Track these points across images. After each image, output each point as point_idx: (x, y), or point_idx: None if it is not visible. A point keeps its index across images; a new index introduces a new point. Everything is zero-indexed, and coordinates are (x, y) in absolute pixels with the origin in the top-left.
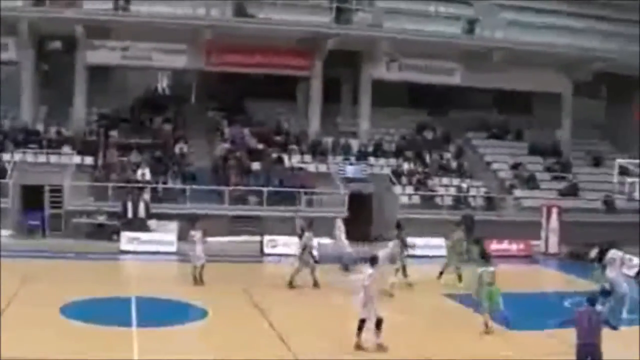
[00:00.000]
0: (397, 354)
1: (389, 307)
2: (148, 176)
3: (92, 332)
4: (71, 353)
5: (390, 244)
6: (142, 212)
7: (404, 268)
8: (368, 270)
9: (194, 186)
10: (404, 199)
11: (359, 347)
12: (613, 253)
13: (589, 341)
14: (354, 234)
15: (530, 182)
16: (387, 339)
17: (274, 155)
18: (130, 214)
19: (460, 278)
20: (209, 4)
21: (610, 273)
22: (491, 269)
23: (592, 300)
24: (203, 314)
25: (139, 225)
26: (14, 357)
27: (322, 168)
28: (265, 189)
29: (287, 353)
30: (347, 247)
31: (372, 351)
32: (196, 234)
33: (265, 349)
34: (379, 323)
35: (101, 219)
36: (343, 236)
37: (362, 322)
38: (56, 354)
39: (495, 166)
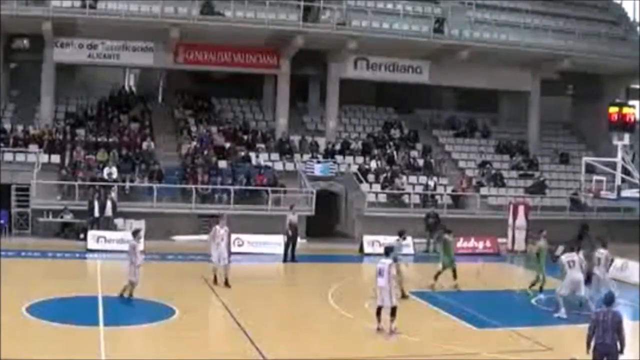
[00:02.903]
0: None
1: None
2: (115, 175)
3: (58, 331)
4: (38, 353)
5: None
6: (109, 210)
7: (454, 270)
8: (387, 260)
9: (161, 185)
10: (371, 197)
11: (380, 329)
12: (599, 252)
13: (605, 341)
14: (319, 231)
15: (497, 180)
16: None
17: (241, 153)
18: (97, 213)
19: (541, 288)
20: (176, 3)
21: (597, 271)
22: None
23: (608, 300)
24: (170, 312)
25: (105, 224)
26: None
27: (290, 166)
28: (232, 188)
29: (254, 352)
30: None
31: (387, 335)
32: (138, 245)
33: (233, 347)
34: (394, 311)
35: (68, 217)
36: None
37: (380, 308)
38: (23, 354)
39: (462, 164)
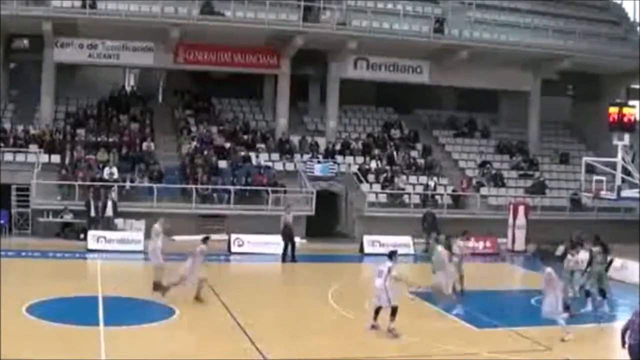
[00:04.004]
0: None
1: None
2: (115, 175)
3: (58, 331)
4: (38, 353)
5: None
6: (109, 210)
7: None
8: (388, 263)
9: (161, 185)
10: (372, 197)
11: (374, 327)
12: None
13: (632, 342)
14: (319, 231)
15: (497, 180)
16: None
17: (241, 153)
18: (93, 213)
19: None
20: (176, 3)
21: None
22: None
23: None
24: (170, 312)
25: (106, 224)
26: None
27: (290, 166)
28: (232, 188)
29: (254, 352)
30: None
31: (384, 334)
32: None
33: (233, 347)
34: (394, 311)
35: (68, 217)
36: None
37: (379, 309)
38: (23, 354)
39: (462, 164)
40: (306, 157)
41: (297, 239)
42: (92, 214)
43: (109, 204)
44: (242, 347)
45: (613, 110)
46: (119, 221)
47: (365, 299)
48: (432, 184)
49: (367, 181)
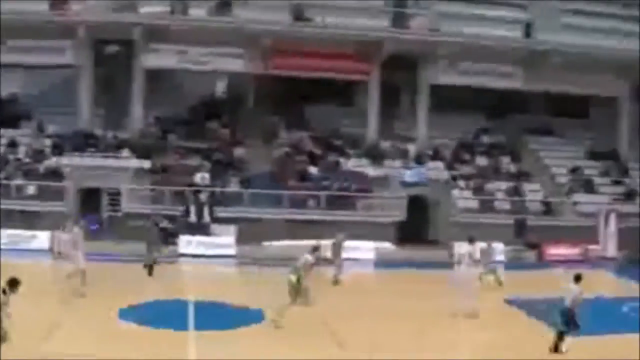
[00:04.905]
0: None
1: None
2: (207, 180)
3: (149, 335)
4: (129, 355)
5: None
6: (203, 215)
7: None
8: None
9: (252, 190)
10: (462, 203)
11: None
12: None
13: None
14: (411, 237)
15: (588, 187)
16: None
17: (332, 159)
18: (192, 218)
19: None
20: (266, 9)
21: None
22: None
23: None
24: (260, 317)
25: (198, 228)
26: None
27: (380, 172)
28: (323, 193)
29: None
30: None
31: None
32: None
33: (320, 351)
34: None
35: (160, 222)
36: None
37: None
38: (114, 357)
39: (553, 170)
40: (396, 163)
41: (386, 244)
42: (192, 219)
43: (203, 208)
44: (329, 351)
45: None
46: (212, 226)
47: None
48: (522, 189)
49: (457, 187)
